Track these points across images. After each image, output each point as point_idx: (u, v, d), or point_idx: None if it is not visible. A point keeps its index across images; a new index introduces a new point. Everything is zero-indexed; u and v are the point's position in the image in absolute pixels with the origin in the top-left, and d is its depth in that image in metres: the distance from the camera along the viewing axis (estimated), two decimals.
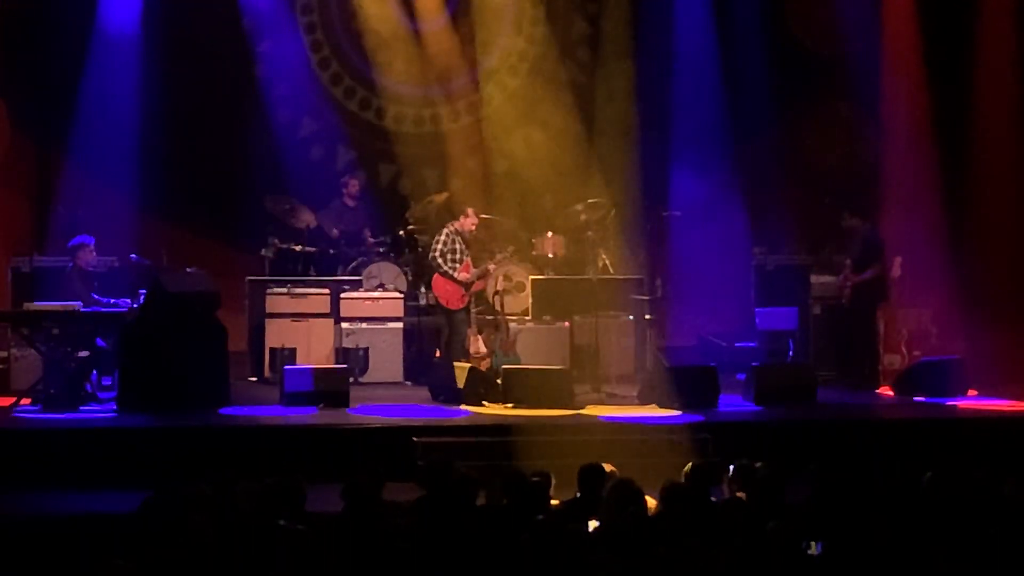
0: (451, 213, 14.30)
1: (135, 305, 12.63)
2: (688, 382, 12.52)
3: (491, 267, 13.80)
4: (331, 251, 14.71)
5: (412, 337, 14.16)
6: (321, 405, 12.14)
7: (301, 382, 12.40)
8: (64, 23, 14.95)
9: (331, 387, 12.35)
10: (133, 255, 13.59)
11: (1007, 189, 15.40)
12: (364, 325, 13.90)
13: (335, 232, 14.85)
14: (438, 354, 13.90)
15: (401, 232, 14.93)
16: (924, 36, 15.59)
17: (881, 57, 15.76)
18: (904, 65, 15.67)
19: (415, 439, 11.07)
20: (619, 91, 15.75)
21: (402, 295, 14.22)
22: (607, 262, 14.29)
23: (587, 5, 16.35)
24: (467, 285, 13.56)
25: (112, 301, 12.77)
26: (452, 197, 15.15)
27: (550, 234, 14.74)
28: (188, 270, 13.27)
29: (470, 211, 13.81)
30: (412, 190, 16.18)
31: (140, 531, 6.96)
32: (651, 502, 7.44)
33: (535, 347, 13.75)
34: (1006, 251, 15.32)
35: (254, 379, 13.88)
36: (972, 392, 13.16)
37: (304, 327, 13.85)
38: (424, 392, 13.02)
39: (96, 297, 12.79)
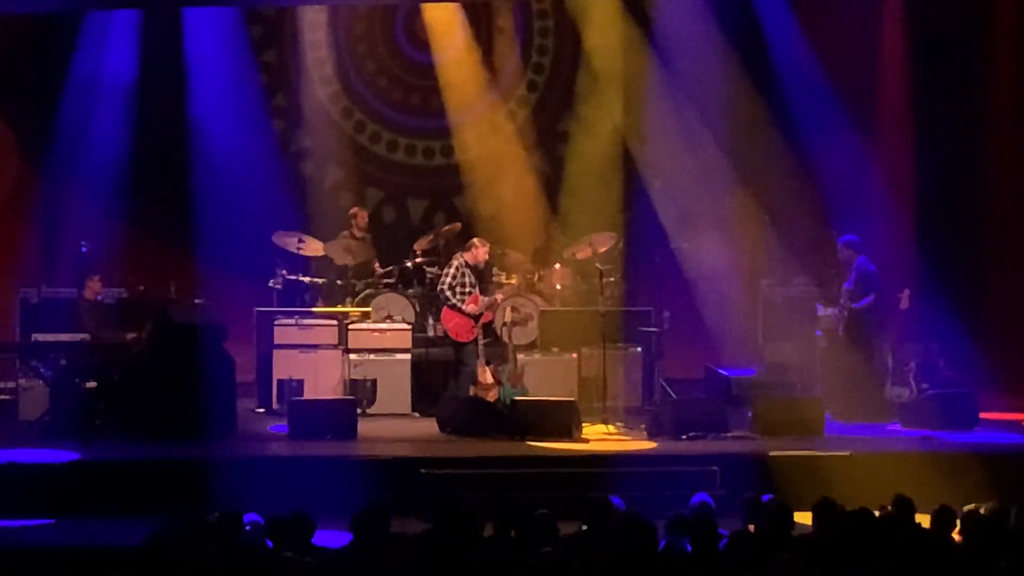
0: (460, 245, 14.31)
1: (143, 336, 12.65)
2: (695, 414, 12.54)
3: (499, 298, 13.80)
4: (339, 282, 14.72)
5: (420, 369, 14.14)
6: (328, 436, 12.14)
7: (309, 413, 12.41)
8: (71, 56, 15.02)
9: (339, 418, 12.35)
10: (142, 286, 13.61)
11: (1017, 219, 15.40)
12: (372, 356, 13.88)
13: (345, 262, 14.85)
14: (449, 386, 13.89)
15: (409, 263, 14.95)
16: (927, 64, 15.61)
17: (884, 86, 15.81)
18: (905, 95, 15.70)
19: (423, 471, 11.07)
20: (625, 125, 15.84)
21: (410, 327, 14.20)
22: (614, 294, 14.33)
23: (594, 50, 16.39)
24: (476, 317, 13.54)
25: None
26: (462, 229, 15.19)
27: (557, 266, 14.75)
28: (196, 301, 13.28)
29: (477, 242, 13.81)
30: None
31: (147, 563, 6.95)
32: None
33: (543, 379, 13.72)
34: (1016, 281, 15.31)
35: (262, 410, 13.87)
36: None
37: (312, 358, 13.84)
38: (432, 424, 13.01)
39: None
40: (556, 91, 16.55)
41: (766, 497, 8.37)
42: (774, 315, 14.90)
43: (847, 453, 11.74)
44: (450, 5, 15.91)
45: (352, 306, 14.45)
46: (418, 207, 16.64)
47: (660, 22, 15.65)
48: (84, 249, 14.10)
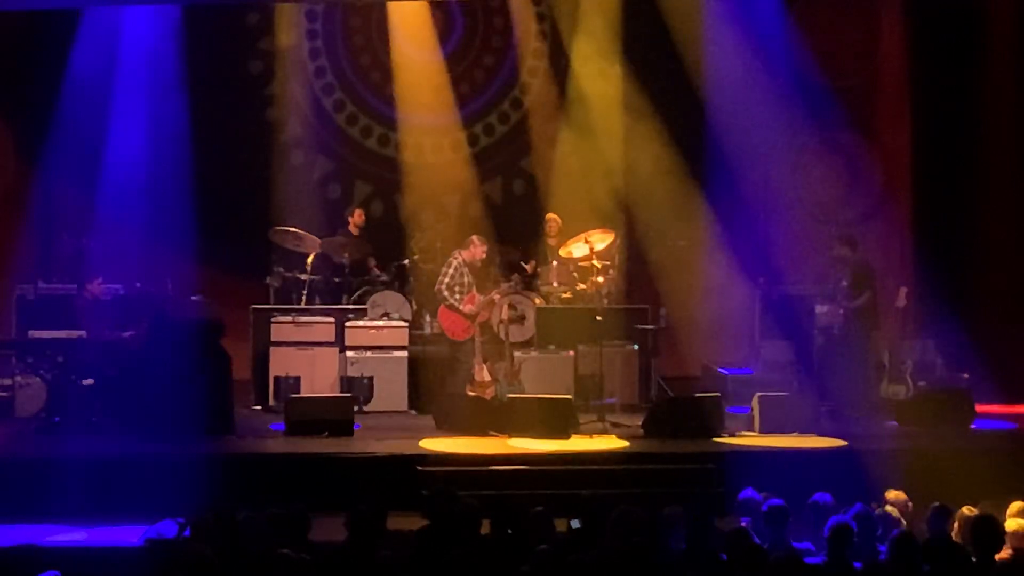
0: (456, 242, 14.32)
1: (140, 333, 12.65)
2: (692, 412, 12.54)
3: (496, 297, 13.78)
4: (336, 279, 14.72)
5: (417, 366, 14.14)
6: (325, 434, 12.14)
7: (305, 411, 12.42)
8: (68, 52, 15.01)
9: (335, 416, 12.36)
10: (139, 283, 13.60)
11: (1014, 217, 15.43)
12: (368, 354, 13.88)
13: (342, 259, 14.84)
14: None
15: (405, 261, 14.95)
16: (926, 64, 15.63)
17: (882, 87, 15.82)
18: (903, 95, 15.72)
19: (419, 468, 11.08)
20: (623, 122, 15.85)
21: (407, 324, 14.21)
22: (611, 291, 14.33)
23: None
24: (472, 316, 13.54)
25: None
26: (457, 227, 15.19)
27: (554, 263, 14.74)
28: (193, 298, 13.26)
29: (476, 240, 13.79)
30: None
31: (145, 563, 6.96)
32: None
33: (540, 376, 13.73)
34: (1013, 279, 15.33)
35: (259, 407, 13.87)
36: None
37: (308, 355, 13.85)
38: (429, 421, 13.02)
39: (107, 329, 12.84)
40: (551, 92, 16.52)
41: (762, 495, 8.38)
42: (771, 313, 14.91)
43: (843, 450, 11.75)
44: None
45: (349, 303, 14.46)
46: (407, 203, 16.62)
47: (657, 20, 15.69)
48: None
